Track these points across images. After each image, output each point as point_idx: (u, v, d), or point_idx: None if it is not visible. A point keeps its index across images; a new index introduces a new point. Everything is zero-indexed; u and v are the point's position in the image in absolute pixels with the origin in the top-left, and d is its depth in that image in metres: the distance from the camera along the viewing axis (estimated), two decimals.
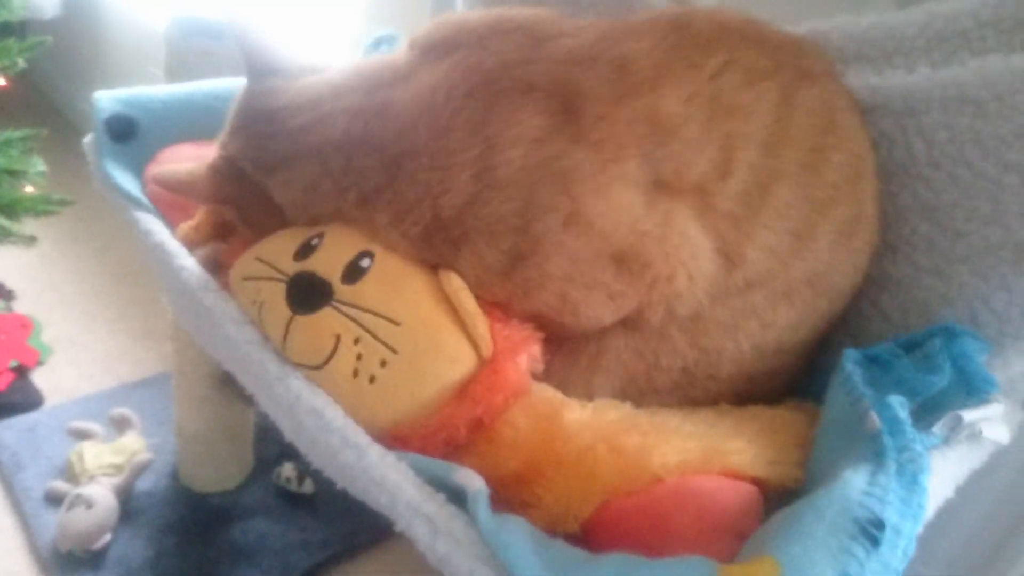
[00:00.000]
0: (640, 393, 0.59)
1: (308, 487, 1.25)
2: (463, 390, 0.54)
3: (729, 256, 0.57)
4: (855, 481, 0.43)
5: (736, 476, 0.51)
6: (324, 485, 1.28)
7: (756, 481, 0.51)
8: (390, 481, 0.47)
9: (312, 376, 0.54)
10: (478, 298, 0.56)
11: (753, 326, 0.59)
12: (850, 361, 0.55)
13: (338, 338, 0.53)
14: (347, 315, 0.54)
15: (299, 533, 1.20)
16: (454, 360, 0.54)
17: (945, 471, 0.48)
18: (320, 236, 0.58)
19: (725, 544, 0.47)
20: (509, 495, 0.53)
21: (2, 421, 1.26)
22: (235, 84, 0.79)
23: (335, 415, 0.51)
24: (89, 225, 1.67)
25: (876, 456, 0.45)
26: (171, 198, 0.69)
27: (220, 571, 1.13)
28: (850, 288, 0.62)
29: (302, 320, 0.55)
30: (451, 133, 0.55)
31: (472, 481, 0.47)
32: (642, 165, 0.55)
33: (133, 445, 1.21)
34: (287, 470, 1.25)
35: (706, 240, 0.56)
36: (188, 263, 0.63)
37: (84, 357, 1.43)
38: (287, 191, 0.60)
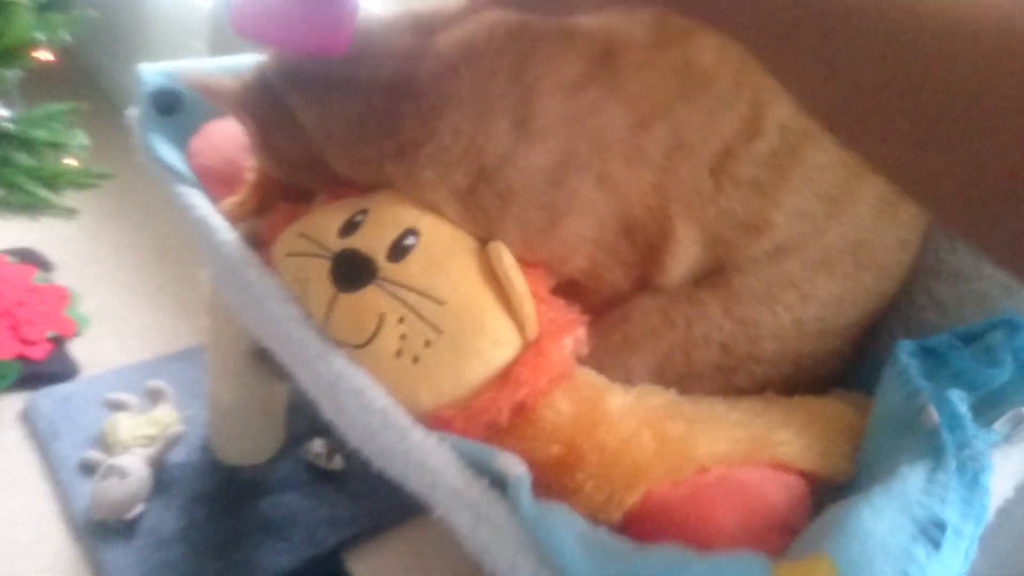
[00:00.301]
0: (680, 377, 0.58)
1: (338, 463, 1.25)
2: (507, 372, 0.53)
3: (751, 224, 0.56)
4: (914, 479, 0.41)
5: (784, 468, 0.50)
6: (353, 462, 1.28)
7: (804, 474, 0.50)
8: (431, 465, 0.46)
9: (354, 355, 0.54)
10: (522, 265, 0.55)
11: (791, 297, 0.57)
12: (904, 352, 0.53)
13: (382, 317, 0.53)
14: (391, 294, 0.53)
15: (327, 509, 1.20)
16: (498, 341, 0.53)
17: (1006, 470, 0.46)
18: (364, 212, 0.58)
19: (772, 539, 0.46)
20: (550, 480, 0.52)
21: (39, 390, 1.28)
22: None
23: (376, 395, 0.51)
24: (129, 199, 1.69)
25: (935, 453, 0.43)
26: (216, 173, 0.69)
27: (249, 543, 1.14)
28: (897, 266, 0.60)
29: (346, 298, 0.54)
30: (493, 77, 0.54)
31: (514, 467, 0.47)
32: (668, 129, 0.54)
33: (166, 417, 1.22)
34: (317, 445, 1.26)
35: (693, 245, 0.56)
36: (230, 238, 0.63)
37: (121, 329, 1.44)
38: (324, 119, 0.58)
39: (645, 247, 0.57)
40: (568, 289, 0.59)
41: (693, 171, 0.55)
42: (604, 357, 0.58)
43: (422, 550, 1.18)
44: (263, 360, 1.10)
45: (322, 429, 1.22)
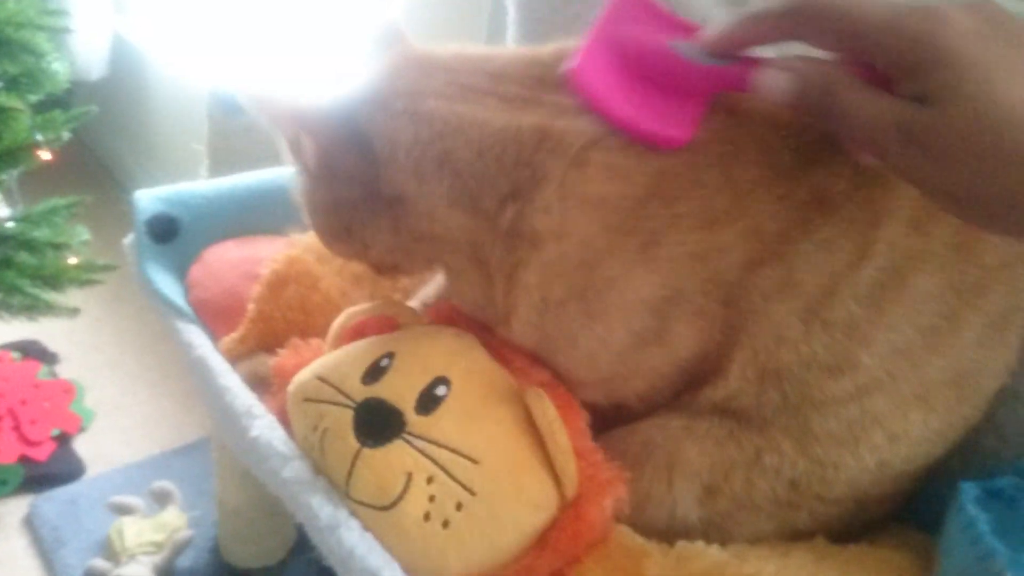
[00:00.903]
0: (737, 506, 0.52)
1: None
2: (544, 537, 0.49)
3: (833, 366, 0.50)
4: None
5: None
6: None
7: None
8: None
9: (378, 517, 0.49)
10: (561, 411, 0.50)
11: (878, 438, 0.51)
12: (971, 501, 0.48)
13: (409, 476, 0.48)
14: (420, 450, 0.49)
15: None
16: (537, 505, 0.49)
17: None
18: (390, 356, 0.53)
19: None
20: None
21: (43, 493, 1.24)
22: (278, 175, 0.76)
23: None
24: (133, 285, 1.66)
25: None
26: (215, 306, 0.65)
27: None
28: (995, 393, 0.54)
29: (370, 454, 0.49)
30: (648, 200, 0.48)
31: None
32: (782, 268, 0.48)
33: (174, 521, 1.18)
34: None
35: (741, 383, 0.51)
36: (232, 383, 0.59)
37: (126, 422, 1.41)
38: (428, 170, 0.50)
39: (695, 376, 0.53)
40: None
41: (786, 315, 0.49)
42: (656, 433, 0.53)
43: None
44: None
45: None
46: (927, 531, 0.55)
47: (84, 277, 1.22)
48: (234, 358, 0.62)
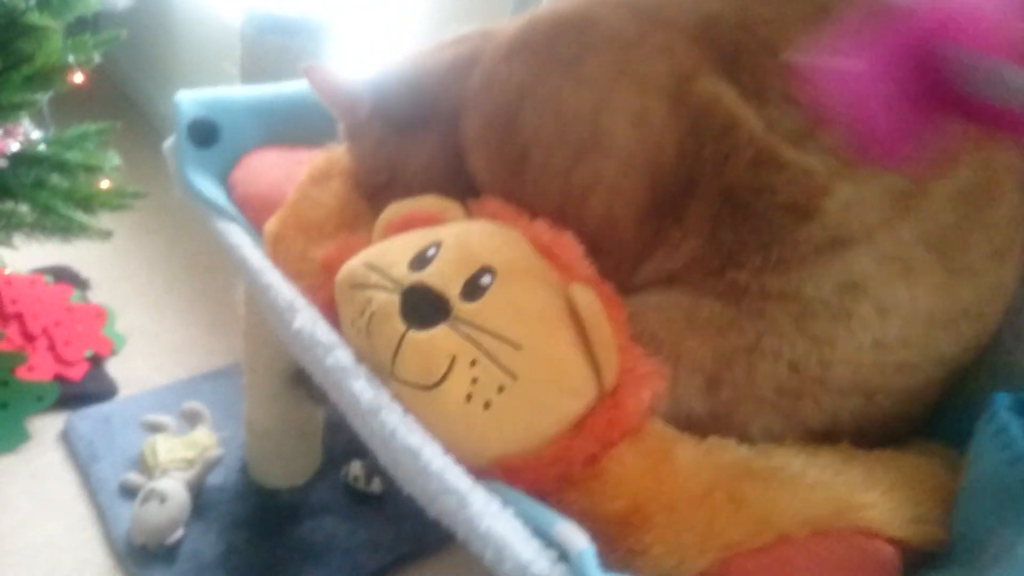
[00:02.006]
0: (740, 396, 0.54)
1: (376, 486, 1.24)
2: (581, 423, 0.50)
3: (795, 205, 0.52)
4: None
5: (871, 535, 0.46)
6: (393, 484, 1.27)
7: (893, 541, 0.46)
8: (495, 535, 0.43)
9: (421, 397, 0.50)
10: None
11: (867, 309, 0.52)
12: (1004, 408, 0.49)
13: (454, 359, 0.50)
14: (465, 335, 0.50)
15: (367, 533, 1.19)
16: (576, 392, 0.50)
17: None
18: (436, 246, 0.55)
19: None
20: (613, 536, 0.49)
21: (78, 411, 1.28)
22: None
23: (433, 455, 0.48)
24: (162, 215, 1.68)
25: None
26: (260, 201, 0.66)
27: (289, 569, 1.13)
28: (997, 288, 0.55)
29: (416, 337, 0.51)
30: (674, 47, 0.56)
31: (574, 539, 0.43)
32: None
33: (204, 440, 1.21)
34: (355, 468, 1.24)
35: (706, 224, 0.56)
36: (274, 279, 0.60)
37: (156, 347, 1.44)
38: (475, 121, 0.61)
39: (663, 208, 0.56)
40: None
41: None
42: (660, 328, 0.55)
43: (464, 575, 1.16)
44: (300, 383, 1.09)
45: (361, 451, 1.21)
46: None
47: (116, 202, 1.23)
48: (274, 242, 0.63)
